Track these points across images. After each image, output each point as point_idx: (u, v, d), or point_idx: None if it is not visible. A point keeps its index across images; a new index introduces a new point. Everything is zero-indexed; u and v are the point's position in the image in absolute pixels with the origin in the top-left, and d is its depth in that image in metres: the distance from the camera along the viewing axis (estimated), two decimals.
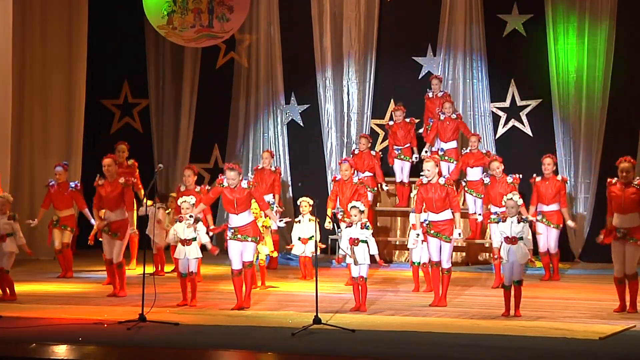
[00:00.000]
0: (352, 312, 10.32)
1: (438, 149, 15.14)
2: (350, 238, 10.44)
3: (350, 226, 10.51)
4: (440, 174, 11.03)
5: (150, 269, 12.72)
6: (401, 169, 15.33)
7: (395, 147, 15.35)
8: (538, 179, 13.30)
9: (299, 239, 13.45)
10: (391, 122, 15.43)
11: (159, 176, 16.71)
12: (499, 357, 8.23)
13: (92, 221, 12.61)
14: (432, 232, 10.80)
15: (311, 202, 12.99)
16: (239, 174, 10.54)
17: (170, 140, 17.53)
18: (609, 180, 10.55)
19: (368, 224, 10.50)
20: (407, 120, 15.28)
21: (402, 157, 15.27)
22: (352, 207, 10.57)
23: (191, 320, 9.82)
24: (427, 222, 10.87)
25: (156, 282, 10.36)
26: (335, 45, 16.68)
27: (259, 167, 14.93)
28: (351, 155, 15.15)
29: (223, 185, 10.54)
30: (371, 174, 15.04)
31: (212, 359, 8.42)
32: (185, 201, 10.96)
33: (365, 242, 10.41)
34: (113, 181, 11.65)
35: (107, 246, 11.74)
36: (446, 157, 14.88)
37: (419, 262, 11.95)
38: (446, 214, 10.80)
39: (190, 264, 10.90)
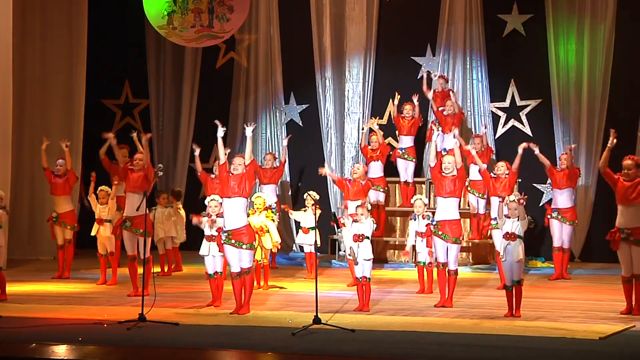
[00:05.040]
0: (356, 312, 10.32)
1: (441, 149, 15.10)
2: (355, 235, 10.44)
3: (355, 222, 10.52)
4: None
5: (156, 268, 12.76)
6: (405, 169, 15.30)
7: (399, 147, 15.34)
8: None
9: (300, 227, 13.55)
10: (408, 117, 15.36)
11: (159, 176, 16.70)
12: (499, 357, 8.23)
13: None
14: (439, 232, 10.84)
15: (317, 196, 12.87)
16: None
17: (171, 140, 17.54)
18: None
19: (373, 219, 10.55)
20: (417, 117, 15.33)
21: (406, 157, 15.26)
22: (358, 206, 10.59)
23: (191, 320, 9.82)
24: (434, 222, 10.94)
25: (156, 282, 10.38)
26: (335, 45, 16.68)
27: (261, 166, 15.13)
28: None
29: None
30: (382, 174, 15.02)
31: (212, 359, 8.42)
32: (213, 199, 10.76)
33: (369, 238, 10.42)
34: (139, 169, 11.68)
35: (130, 243, 11.68)
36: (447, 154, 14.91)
37: (424, 263, 11.98)
38: (453, 213, 10.83)
39: (216, 263, 10.83)
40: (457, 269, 10.94)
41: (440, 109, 15.16)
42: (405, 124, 15.29)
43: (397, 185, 15.66)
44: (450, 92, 15.24)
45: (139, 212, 10.66)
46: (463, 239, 11.30)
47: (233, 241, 10.20)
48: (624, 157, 10.42)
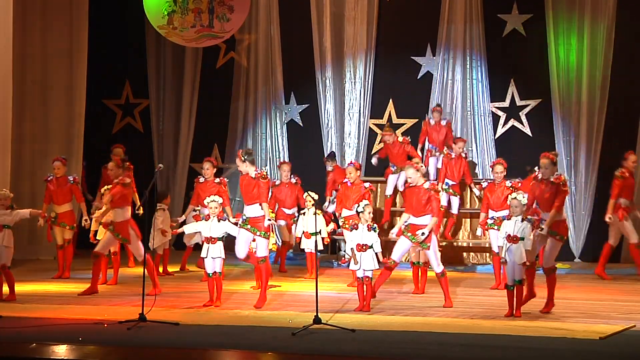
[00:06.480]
0: (356, 312, 10.32)
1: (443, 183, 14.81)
2: (358, 244, 10.42)
3: (356, 228, 10.50)
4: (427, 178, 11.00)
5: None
6: (396, 178, 15.01)
7: (391, 164, 15.11)
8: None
9: (303, 232, 13.53)
10: (389, 140, 14.93)
11: (159, 176, 16.71)
12: (499, 357, 8.24)
13: (85, 217, 13.01)
14: (408, 234, 10.77)
15: (316, 196, 12.74)
16: (243, 162, 10.67)
17: (171, 140, 17.54)
18: (533, 175, 10.56)
19: (375, 225, 10.51)
20: (400, 140, 14.91)
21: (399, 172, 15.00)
22: (366, 204, 10.59)
23: (191, 320, 9.82)
24: (406, 223, 10.87)
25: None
26: (335, 45, 16.70)
27: (277, 183, 13.96)
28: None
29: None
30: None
31: (212, 359, 8.43)
32: (213, 200, 10.82)
33: (372, 247, 10.40)
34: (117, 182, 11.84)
35: (110, 243, 12.00)
36: (450, 191, 14.61)
37: (420, 262, 11.95)
38: (426, 219, 10.76)
39: (215, 264, 10.88)
40: (443, 270, 10.82)
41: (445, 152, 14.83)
42: (395, 152, 14.91)
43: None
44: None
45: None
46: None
47: (249, 226, 10.65)
48: (541, 154, 10.42)
